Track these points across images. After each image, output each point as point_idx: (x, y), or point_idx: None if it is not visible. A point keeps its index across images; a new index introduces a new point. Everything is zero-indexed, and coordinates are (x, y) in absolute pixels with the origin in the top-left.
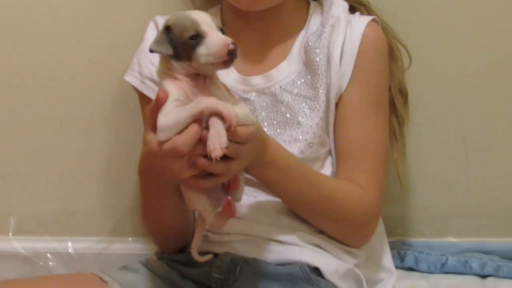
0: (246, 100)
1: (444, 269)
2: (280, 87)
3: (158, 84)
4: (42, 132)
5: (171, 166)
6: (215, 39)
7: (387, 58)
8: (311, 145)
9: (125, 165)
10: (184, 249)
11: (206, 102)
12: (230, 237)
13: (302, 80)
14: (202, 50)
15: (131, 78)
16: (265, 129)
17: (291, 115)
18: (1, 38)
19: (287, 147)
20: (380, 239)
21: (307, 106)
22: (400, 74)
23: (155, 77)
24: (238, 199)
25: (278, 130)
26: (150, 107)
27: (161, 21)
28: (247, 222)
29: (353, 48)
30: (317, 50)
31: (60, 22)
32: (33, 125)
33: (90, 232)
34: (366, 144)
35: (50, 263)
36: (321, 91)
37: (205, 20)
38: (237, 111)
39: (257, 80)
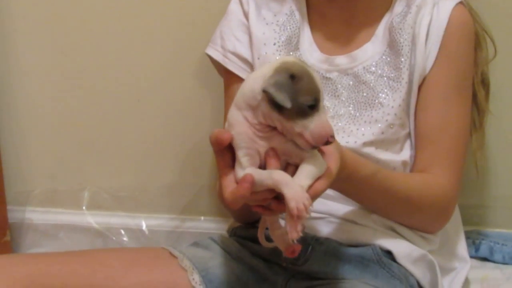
0: (327, 79)
1: None
2: (364, 67)
3: (242, 59)
4: (119, 108)
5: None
6: (323, 123)
7: (473, 43)
8: (391, 126)
9: (202, 144)
10: (257, 222)
11: (277, 177)
12: None
13: (386, 61)
14: (307, 123)
15: (213, 52)
16: (346, 109)
17: (373, 96)
18: (84, 16)
19: (368, 127)
20: (455, 228)
21: (389, 87)
22: (484, 64)
23: (239, 51)
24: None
25: (359, 111)
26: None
27: None
28: (321, 200)
29: (440, 29)
30: (401, 31)
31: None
32: (111, 101)
33: (163, 210)
34: (446, 129)
35: (123, 238)
36: (404, 72)
37: (322, 91)
38: (311, 172)
39: (341, 60)
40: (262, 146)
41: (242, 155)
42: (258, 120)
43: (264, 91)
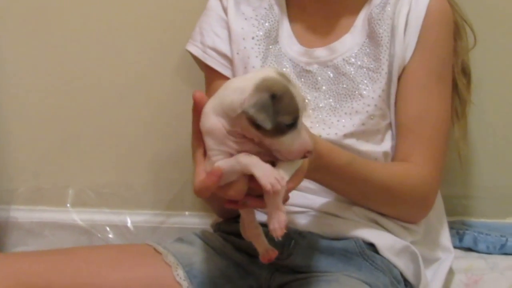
0: (307, 72)
1: (503, 250)
2: (343, 59)
3: (221, 55)
4: (102, 105)
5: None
6: (301, 139)
7: (452, 32)
8: (372, 117)
9: (185, 139)
10: (239, 217)
11: (244, 161)
12: (285, 208)
13: (365, 52)
14: (285, 142)
15: (193, 48)
16: (327, 101)
17: (353, 87)
18: (66, 14)
19: (348, 119)
20: (439, 218)
21: (369, 78)
22: (464, 53)
23: (218, 47)
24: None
25: (340, 102)
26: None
27: None
28: (301, 194)
29: (418, 19)
30: (380, 22)
31: None
32: (94, 98)
33: (148, 206)
34: (427, 118)
35: (109, 235)
36: (384, 63)
37: (303, 106)
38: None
39: (320, 52)
40: (233, 149)
41: (212, 155)
42: (233, 129)
43: (244, 112)
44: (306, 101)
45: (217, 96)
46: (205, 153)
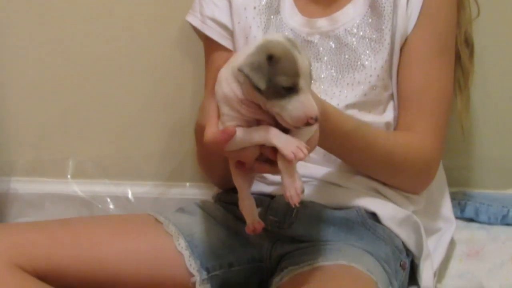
0: (309, 42)
1: (505, 221)
2: (345, 29)
3: (220, 25)
4: (102, 77)
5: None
6: (303, 104)
7: (455, 3)
8: (374, 88)
9: (185, 110)
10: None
11: (268, 134)
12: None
13: (367, 23)
14: (285, 106)
15: (192, 19)
16: (329, 72)
17: (355, 58)
18: None
19: (351, 89)
20: (440, 188)
21: (371, 49)
22: (467, 24)
23: (217, 17)
24: None
25: (342, 73)
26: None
27: None
28: (303, 163)
29: None
30: None
31: None
32: (94, 70)
33: (148, 177)
34: (429, 89)
35: (110, 206)
36: (386, 33)
37: (306, 71)
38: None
39: (322, 23)
40: (247, 116)
41: (226, 120)
42: (244, 95)
43: (240, 70)
44: (312, 68)
45: (229, 63)
46: (218, 111)
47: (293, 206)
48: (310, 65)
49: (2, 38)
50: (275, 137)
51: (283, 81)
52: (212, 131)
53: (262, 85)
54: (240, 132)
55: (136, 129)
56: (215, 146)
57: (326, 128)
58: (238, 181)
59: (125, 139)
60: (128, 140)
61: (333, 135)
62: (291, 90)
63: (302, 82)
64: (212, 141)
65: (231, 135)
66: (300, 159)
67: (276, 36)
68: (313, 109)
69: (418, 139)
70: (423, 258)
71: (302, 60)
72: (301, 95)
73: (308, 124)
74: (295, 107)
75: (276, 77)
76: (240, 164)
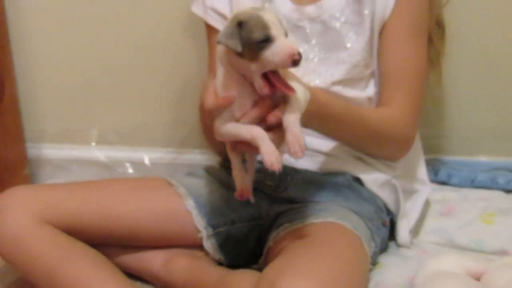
0: (299, 27)
1: (474, 184)
2: (330, 15)
3: (220, 14)
4: (120, 56)
5: None
6: (282, 46)
7: None
8: (356, 66)
9: (193, 85)
10: None
11: (254, 133)
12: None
13: (350, 9)
14: (268, 54)
15: (196, 9)
16: (316, 53)
17: (339, 40)
18: None
19: (336, 68)
20: (417, 155)
21: (353, 32)
22: (439, 8)
23: (217, 7)
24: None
25: (328, 54)
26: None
27: None
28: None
29: None
30: None
31: None
32: (113, 50)
33: (162, 144)
34: (406, 68)
35: (128, 170)
36: (366, 18)
37: (276, 23)
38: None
39: (310, 9)
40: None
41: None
42: (237, 71)
43: (218, 42)
44: (283, 22)
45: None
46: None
47: (296, 159)
48: (279, 18)
49: (33, 17)
50: (263, 141)
51: (255, 36)
52: (212, 98)
53: (238, 47)
54: (231, 126)
55: (151, 101)
56: (215, 111)
57: (321, 113)
58: (230, 154)
59: (142, 110)
60: (144, 111)
61: (327, 118)
62: (267, 41)
63: (274, 32)
64: (213, 108)
65: (231, 101)
66: (274, 170)
67: (245, 8)
68: (293, 46)
69: (397, 113)
70: (400, 216)
71: (267, 15)
72: (277, 40)
73: (294, 62)
74: (276, 52)
75: (249, 36)
76: (232, 144)
